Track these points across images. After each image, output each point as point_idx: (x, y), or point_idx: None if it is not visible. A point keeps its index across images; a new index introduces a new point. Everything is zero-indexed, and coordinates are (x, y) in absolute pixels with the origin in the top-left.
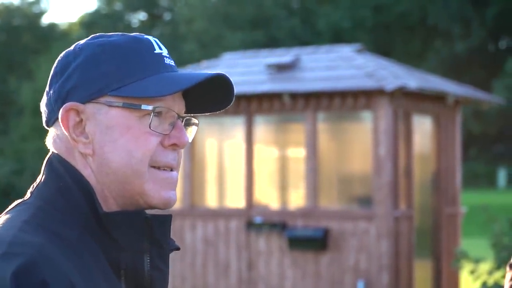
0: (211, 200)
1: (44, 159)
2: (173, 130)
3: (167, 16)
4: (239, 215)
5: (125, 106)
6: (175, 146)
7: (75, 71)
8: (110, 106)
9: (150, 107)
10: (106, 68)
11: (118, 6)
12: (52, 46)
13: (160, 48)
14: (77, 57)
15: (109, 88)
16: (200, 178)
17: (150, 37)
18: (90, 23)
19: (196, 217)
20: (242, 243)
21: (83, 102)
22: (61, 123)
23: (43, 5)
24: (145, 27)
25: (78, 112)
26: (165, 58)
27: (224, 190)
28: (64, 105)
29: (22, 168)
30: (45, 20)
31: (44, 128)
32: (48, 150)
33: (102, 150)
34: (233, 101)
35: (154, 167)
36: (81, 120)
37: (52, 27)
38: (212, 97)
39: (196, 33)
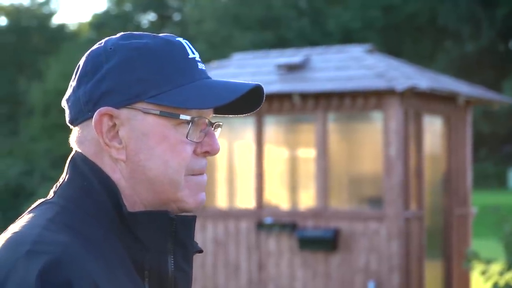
0: (221, 201)
1: (53, 159)
2: (205, 138)
3: (176, 16)
4: (249, 216)
5: (162, 115)
6: (206, 154)
7: (109, 74)
8: (146, 113)
9: (188, 117)
10: (143, 74)
11: (127, 6)
12: (61, 47)
13: (193, 52)
14: (110, 59)
15: (146, 95)
16: (210, 179)
17: (182, 40)
18: (100, 24)
19: (206, 217)
20: (252, 244)
21: (118, 107)
22: (94, 127)
23: (53, 6)
24: (155, 27)
25: (112, 117)
26: (198, 62)
27: (234, 191)
28: (98, 110)
29: (32, 168)
30: (55, 21)
31: (54, 129)
32: (68, 150)
33: (138, 157)
34: (259, 108)
35: (190, 175)
36: (114, 125)
37: (61, 28)
38: (240, 103)
39: (206, 34)
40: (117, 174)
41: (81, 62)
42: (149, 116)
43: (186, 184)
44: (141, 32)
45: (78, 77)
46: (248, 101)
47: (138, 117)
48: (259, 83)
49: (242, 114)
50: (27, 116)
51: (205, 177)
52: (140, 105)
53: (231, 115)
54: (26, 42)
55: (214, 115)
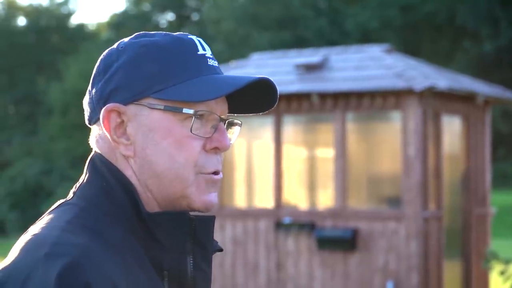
0: (240, 200)
1: (72, 159)
2: (215, 133)
3: (195, 16)
4: (268, 215)
5: (166, 109)
6: (216, 150)
7: (118, 71)
8: (152, 108)
9: (191, 111)
10: (148, 70)
11: (146, 6)
12: (80, 47)
13: (204, 49)
14: (119, 57)
15: (151, 90)
16: (229, 178)
17: (194, 37)
18: (118, 23)
19: (225, 217)
20: (271, 243)
21: (125, 104)
22: (102, 124)
23: (71, 6)
24: (173, 27)
25: (119, 114)
26: (208, 59)
27: (252, 190)
28: (105, 106)
29: (51, 168)
30: (73, 21)
31: (72, 128)
32: (87, 150)
33: (145, 153)
34: (276, 103)
35: (201, 173)
36: (122, 121)
37: (80, 27)
38: (255, 99)
39: (224, 33)
40: (129, 171)
41: (96, 64)
42: (155, 111)
43: (195, 182)
44: (155, 32)
45: (92, 78)
46: (263, 98)
47: (144, 113)
48: (265, 77)
49: (259, 112)
50: (46, 116)
51: (218, 176)
52: (146, 101)
53: (248, 114)
54: (45, 42)
55: (233, 114)
